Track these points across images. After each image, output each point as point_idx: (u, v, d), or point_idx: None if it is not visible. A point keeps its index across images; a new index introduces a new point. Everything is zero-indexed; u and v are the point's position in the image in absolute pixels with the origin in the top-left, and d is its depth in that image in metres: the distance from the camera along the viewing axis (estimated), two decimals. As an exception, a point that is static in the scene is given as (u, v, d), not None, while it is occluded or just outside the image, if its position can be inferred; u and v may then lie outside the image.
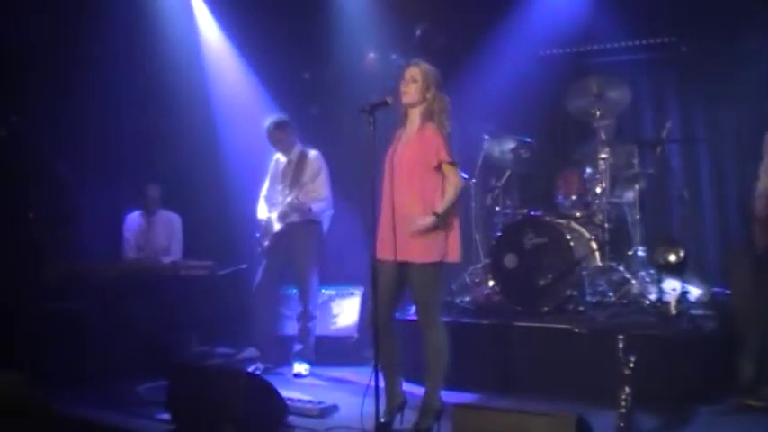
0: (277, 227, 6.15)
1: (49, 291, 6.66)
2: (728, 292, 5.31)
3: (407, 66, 4.58)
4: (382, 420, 4.46)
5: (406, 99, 4.50)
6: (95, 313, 6.64)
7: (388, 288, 4.50)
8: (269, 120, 6.23)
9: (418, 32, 7.46)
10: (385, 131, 4.60)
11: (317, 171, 6.07)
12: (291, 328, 6.39)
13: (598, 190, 6.18)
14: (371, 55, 7.75)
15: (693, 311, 5.50)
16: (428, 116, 4.49)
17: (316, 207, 6.11)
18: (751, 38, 6.48)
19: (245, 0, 7.62)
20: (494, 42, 7.27)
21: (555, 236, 5.84)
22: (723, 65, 6.50)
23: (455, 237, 4.50)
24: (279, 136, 6.23)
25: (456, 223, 4.52)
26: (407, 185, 4.46)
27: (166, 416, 4.82)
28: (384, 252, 4.49)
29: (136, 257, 7.11)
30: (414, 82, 4.49)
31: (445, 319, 5.61)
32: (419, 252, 4.41)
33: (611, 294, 5.93)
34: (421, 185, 4.46)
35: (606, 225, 6.08)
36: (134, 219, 7.25)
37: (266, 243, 6.22)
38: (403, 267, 4.48)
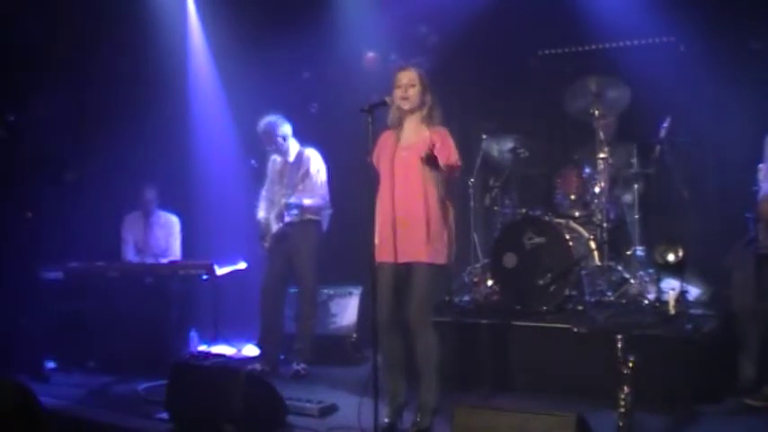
0: (275, 227, 6.14)
1: (49, 291, 6.67)
2: (729, 291, 5.30)
3: (402, 69, 4.55)
4: (387, 420, 4.49)
5: (407, 104, 4.47)
6: (95, 313, 6.65)
7: (390, 290, 4.51)
8: (260, 122, 6.22)
9: (415, 31, 7.47)
10: (384, 131, 4.61)
11: (315, 171, 6.05)
12: (290, 327, 6.38)
13: (597, 189, 6.18)
14: (371, 54, 7.74)
15: (693, 311, 5.50)
16: (429, 120, 4.49)
17: (310, 203, 6.10)
18: (751, 38, 6.48)
19: (245, -1, 7.63)
20: (492, 41, 7.27)
21: (554, 235, 5.84)
22: (722, 65, 6.49)
23: (450, 241, 4.53)
24: (267, 139, 6.21)
25: (451, 228, 4.54)
26: (414, 189, 4.45)
27: (165, 415, 4.82)
28: (384, 255, 4.49)
29: (134, 258, 7.11)
30: (412, 86, 4.47)
31: (445, 319, 5.68)
32: (424, 254, 4.42)
33: (610, 294, 5.93)
34: (427, 189, 4.45)
35: (605, 225, 6.07)
36: (133, 219, 7.25)
37: (266, 244, 6.21)
38: (403, 269, 4.49)
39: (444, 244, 4.48)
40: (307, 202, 6.10)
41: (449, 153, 4.41)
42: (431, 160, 4.30)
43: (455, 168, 4.47)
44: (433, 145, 4.35)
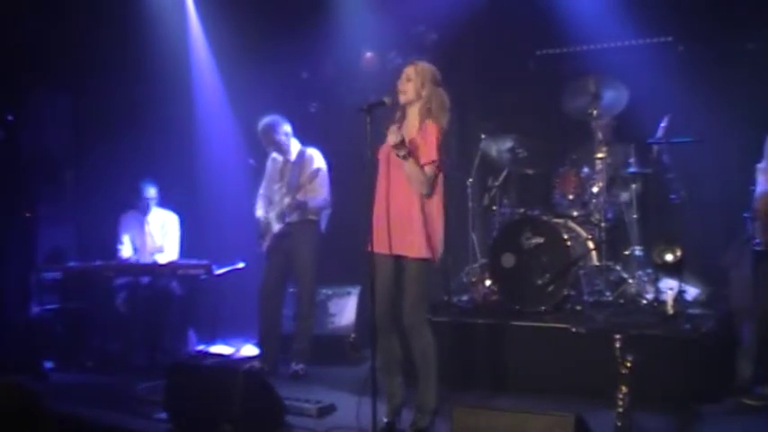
0: (276, 227, 6.14)
1: (47, 291, 6.67)
2: (727, 291, 5.32)
3: (405, 65, 4.62)
4: (385, 420, 4.52)
5: (402, 97, 4.54)
6: (93, 313, 6.65)
7: (387, 282, 4.53)
8: (260, 122, 6.22)
9: (414, 31, 7.47)
10: (382, 130, 4.61)
11: (317, 171, 6.05)
12: (289, 327, 6.38)
13: (595, 189, 6.18)
14: (369, 54, 7.75)
15: (691, 311, 5.51)
16: (426, 114, 4.50)
17: (312, 203, 6.11)
18: (748, 38, 6.49)
19: (244, -1, 7.63)
20: (491, 41, 7.27)
21: (552, 235, 5.85)
22: (720, 65, 6.51)
23: (438, 238, 4.51)
24: (268, 138, 6.21)
25: (440, 225, 4.53)
26: (405, 185, 4.46)
27: (164, 415, 4.82)
28: (380, 247, 4.50)
29: (132, 257, 7.09)
30: (409, 80, 4.53)
31: (443, 319, 5.68)
32: (415, 248, 4.43)
33: (608, 294, 5.93)
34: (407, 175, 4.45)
35: (603, 224, 6.07)
36: (129, 219, 7.22)
37: (265, 243, 6.20)
38: (398, 262, 4.51)
39: (433, 240, 4.47)
40: (312, 202, 6.10)
41: (427, 152, 4.42)
42: (405, 156, 4.36)
43: (431, 165, 4.43)
44: (414, 138, 4.44)
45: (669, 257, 5.48)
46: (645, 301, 5.79)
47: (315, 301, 6.41)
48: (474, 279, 6.47)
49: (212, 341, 7.07)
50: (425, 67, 4.56)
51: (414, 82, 4.51)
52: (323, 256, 6.26)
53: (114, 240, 7.13)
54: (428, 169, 4.42)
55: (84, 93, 7.69)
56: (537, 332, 5.48)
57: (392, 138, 4.36)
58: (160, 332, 6.71)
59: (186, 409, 4.70)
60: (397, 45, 7.51)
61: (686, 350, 4.97)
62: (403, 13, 7.31)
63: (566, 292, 5.77)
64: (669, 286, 5.63)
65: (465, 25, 7.13)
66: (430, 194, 4.46)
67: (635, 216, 6.20)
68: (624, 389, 4.12)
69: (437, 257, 4.53)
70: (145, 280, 6.80)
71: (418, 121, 4.53)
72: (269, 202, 6.27)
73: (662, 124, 5.81)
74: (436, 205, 4.51)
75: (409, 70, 4.54)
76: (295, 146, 6.26)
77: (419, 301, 4.52)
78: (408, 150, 4.38)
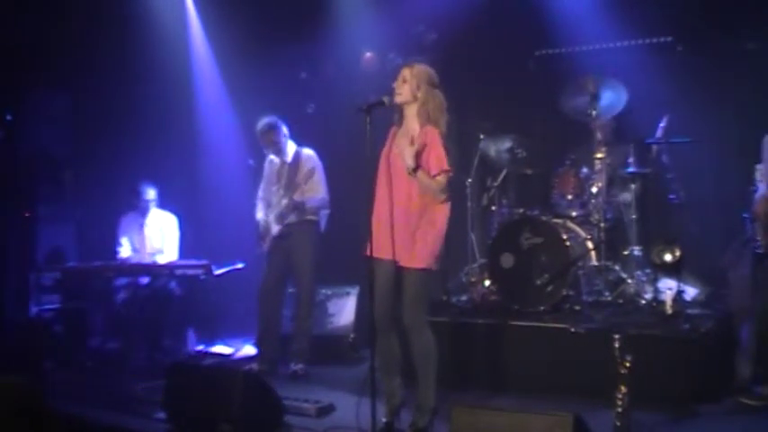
0: (275, 229, 6.14)
1: (47, 291, 6.68)
2: (726, 291, 5.31)
3: (401, 67, 4.63)
4: (384, 420, 4.52)
5: (398, 99, 4.54)
6: (92, 313, 6.65)
7: (386, 285, 4.52)
8: (259, 123, 6.22)
9: (414, 31, 7.48)
10: (382, 131, 4.62)
11: (312, 170, 6.06)
12: (288, 327, 6.39)
13: (594, 189, 6.18)
14: (369, 54, 7.75)
15: (690, 311, 5.51)
16: (425, 116, 4.50)
17: (310, 203, 6.11)
18: (747, 38, 6.49)
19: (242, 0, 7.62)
20: (490, 41, 7.28)
21: (551, 235, 5.85)
22: (720, 65, 6.52)
23: (439, 246, 4.52)
24: (268, 139, 6.21)
25: (443, 232, 4.54)
26: (407, 186, 4.46)
27: (163, 415, 4.82)
28: (381, 251, 4.50)
29: (131, 258, 7.10)
30: (404, 82, 4.53)
31: (442, 319, 5.68)
32: (413, 258, 4.44)
33: (607, 294, 5.94)
34: (416, 191, 4.46)
35: (602, 224, 6.07)
36: (128, 221, 7.22)
37: (265, 245, 6.20)
38: (399, 266, 4.50)
39: (434, 249, 4.48)
40: (310, 201, 6.11)
41: (437, 162, 4.42)
42: (416, 171, 4.38)
43: (444, 174, 4.45)
44: (421, 149, 4.41)
45: (668, 257, 5.48)
46: (644, 301, 5.79)
47: (314, 301, 6.41)
48: (473, 279, 6.47)
49: (211, 341, 7.07)
50: (421, 68, 4.56)
51: (409, 83, 4.51)
52: (322, 256, 6.26)
53: (114, 241, 7.14)
54: (441, 178, 4.43)
55: (83, 93, 7.69)
56: (536, 332, 5.48)
57: (406, 161, 4.38)
58: (159, 332, 6.72)
59: (185, 409, 4.70)
60: (396, 45, 7.51)
61: (685, 350, 4.98)
62: (403, 13, 7.31)
63: (565, 292, 5.77)
64: (668, 286, 5.63)
65: (464, 25, 7.13)
66: (446, 200, 4.48)
67: (634, 216, 6.19)
68: (623, 389, 4.13)
69: (437, 265, 4.53)
70: (144, 280, 6.81)
71: (418, 124, 4.53)
72: (268, 205, 6.27)
73: (661, 124, 5.82)
74: (442, 211, 4.51)
75: (405, 72, 4.55)
76: (291, 147, 6.27)
77: (419, 302, 4.51)
78: (418, 164, 4.39)
